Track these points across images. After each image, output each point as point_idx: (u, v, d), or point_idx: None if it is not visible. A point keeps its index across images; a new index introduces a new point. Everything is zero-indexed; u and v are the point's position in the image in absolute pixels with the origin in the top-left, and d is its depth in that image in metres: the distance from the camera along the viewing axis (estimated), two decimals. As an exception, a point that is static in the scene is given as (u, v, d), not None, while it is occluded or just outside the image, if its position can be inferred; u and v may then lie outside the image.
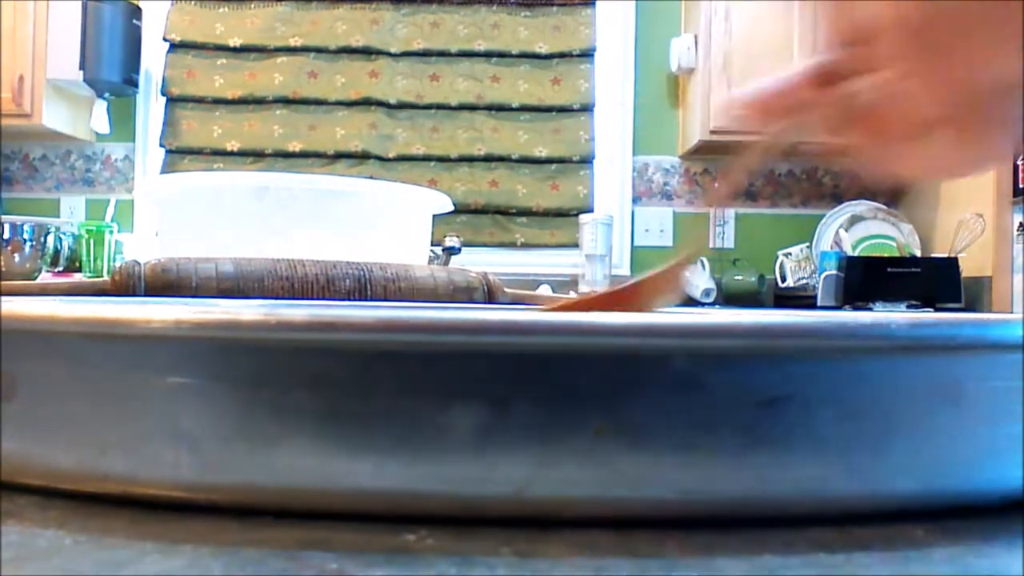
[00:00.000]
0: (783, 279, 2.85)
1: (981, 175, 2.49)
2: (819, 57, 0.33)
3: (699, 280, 2.84)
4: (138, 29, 2.81)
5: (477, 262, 2.71)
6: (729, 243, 2.97)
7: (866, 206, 2.90)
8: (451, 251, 2.56)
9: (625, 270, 2.97)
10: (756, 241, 2.96)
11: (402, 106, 2.93)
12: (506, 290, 0.76)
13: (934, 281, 2.55)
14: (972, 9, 0.27)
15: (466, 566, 0.20)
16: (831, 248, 2.81)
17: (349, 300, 0.68)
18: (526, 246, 2.95)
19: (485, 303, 0.74)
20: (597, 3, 2.98)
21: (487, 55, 2.96)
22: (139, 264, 0.67)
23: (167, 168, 2.91)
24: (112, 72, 2.71)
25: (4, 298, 0.26)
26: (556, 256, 2.94)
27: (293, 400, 0.22)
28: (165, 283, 0.65)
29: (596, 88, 2.97)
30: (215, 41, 2.93)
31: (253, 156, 2.92)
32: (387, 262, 0.72)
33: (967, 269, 2.55)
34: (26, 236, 2.10)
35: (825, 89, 0.33)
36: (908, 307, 2.51)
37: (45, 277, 2.14)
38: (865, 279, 2.58)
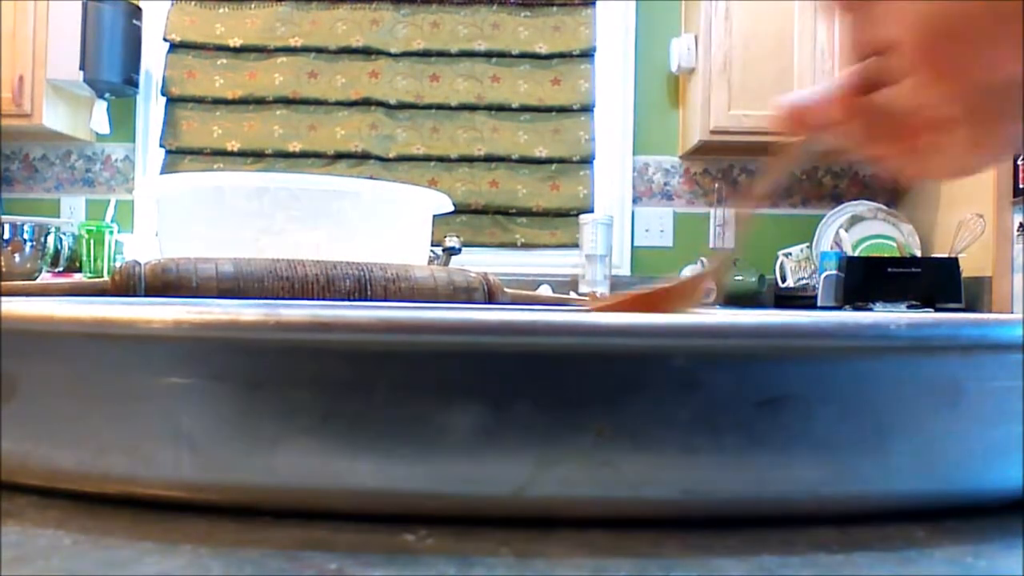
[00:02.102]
0: (783, 279, 2.85)
1: (981, 175, 2.49)
2: (850, 70, 0.35)
3: (699, 280, 2.84)
4: (138, 29, 2.81)
5: (477, 262, 2.71)
6: (729, 243, 2.97)
7: (866, 206, 2.90)
8: (451, 251, 2.56)
9: (625, 270, 2.97)
10: (756, 241, 2.96)
11: (402, 106, 2.93)
12: (506, 290, 0.76)
13: (934, 281, 2.55)
14: (976, 13, 0.29)
15: (466, 566, 0.20)
16: (831, 248, 2.81)
17: (349, 300, 0.68)
18: (526, 246, 2.95)
19: (485, 303, 0.74)
20: (597, 3, 2.99)
21: (487, 55, 2.96)
22: (139, 264, 0.67)
23: (167, 168, 2.91)
24: (112, 72, 2.71)
25: (4, 298, 0.26)
26: (556, 256, 2.94)
27: (293, 400, 0.22)
28: (165, 283, 0.65)
29: (596, 88, 2.97)
30: (215, 41, 2.93)
31: (253, 156, 2.92)
32: (387, 262, 0.72)
33: (967, 269, 2.55)
34: (26, 236, 2.10)
35: (856, 100, 0.34)
36: (908, 307, 2.51)
37: (45, 277, 2.14)
38: (865, 279, 2.58)
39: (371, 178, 2.67)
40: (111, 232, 2.45)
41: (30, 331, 0.24)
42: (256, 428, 0.22)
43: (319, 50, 2.93)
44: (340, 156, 2.91)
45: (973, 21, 0.29)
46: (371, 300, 0.69)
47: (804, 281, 2.81)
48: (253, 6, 2.94)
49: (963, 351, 0.23)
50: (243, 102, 2.92)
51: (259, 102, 2.93)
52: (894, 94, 0.33)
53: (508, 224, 2.94)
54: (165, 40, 2.93)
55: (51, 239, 2.14)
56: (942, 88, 0.31)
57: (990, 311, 2.50)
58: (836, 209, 2.90)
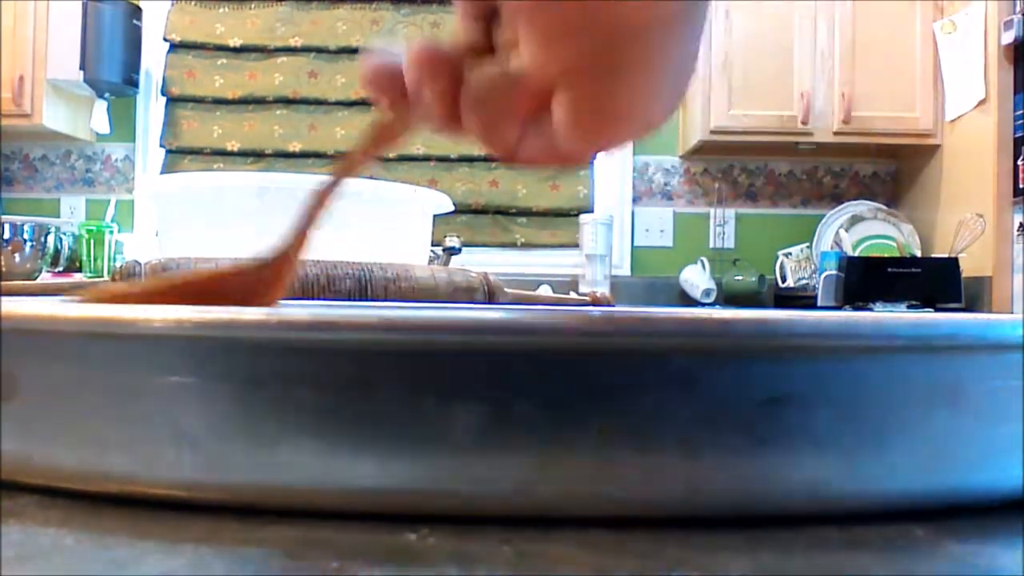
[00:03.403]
0: (783, 279, 2.85)
1: (982, 174, 2.49)
2: (458, 29, 0.29)
3: (699, 280, 2.84)
4: (138, 29, 2.81)
5: (477, 262, 2.71)
6: (729, 243, 2.97)
7: (866, 206, 2.90)
8: (451, 251, 2.56)
9: (625, 270, 2.97)
10: (756, 241, 2.96)
11: (402, 106, 2.93)
12: (506, 290, 0.76)
13: (934, 281, 2.55)
14: None
15: (467, 565, 0.20)
16: (831, 248, 2.81)
17: (350, 300, 0.68)
18: (526, 246, 2.95)
19: (485, 303, 0.74)
20: (597, 3, 2.98)
21: (487, 55, 2.96)
22: (139, 264, 0.67)
23: (167, 168, 2.91)
24: (112, 72, 2.71)
25: (4, 298, 0.26)
26: (556, 256, 2.94)
27: (294, 399, 0.22)
28: (165, 283, 0.65)
29: (596, 88, 2.96)
30: (215, 41, 2.93)
31: (253, 156, 2.92)
32: (387, 262, 0.72)
33: (967, 269, 2.55)
34: (26, 236, 2.10)
35: (456, 66, 0.28)
36: (908, 307, 2.51)
37: (45, 277, 2.14)
38: (865, 279, 2.58)
39: (371, 178, 2.67)
40: (111, 232, 2.45)
41: (30, 331, 0.24)
42: (257, 427, 0.22)
43: (319, 50, 2.93)
44: (340, 156, 2.91)
45: None
46: (371, 300, 0.69)
47: (804, 281, 2.81)
48: (253, 6, 2.94)
49: (963, 351, 0.23)
50: (243, 102, 2.92)
51: (259, 102, 2.93)
52: (499, 60, 0.27)
53: (508, 224, 2.94)
54: (165, 40, 2.93)
55: (51, 239, 2.14)
56: (542, 40, 0.25)
57: (990, 311, 2.50)
58: (836, 209, 2.90)
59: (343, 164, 0.34)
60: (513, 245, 2.94)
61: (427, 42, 0.29)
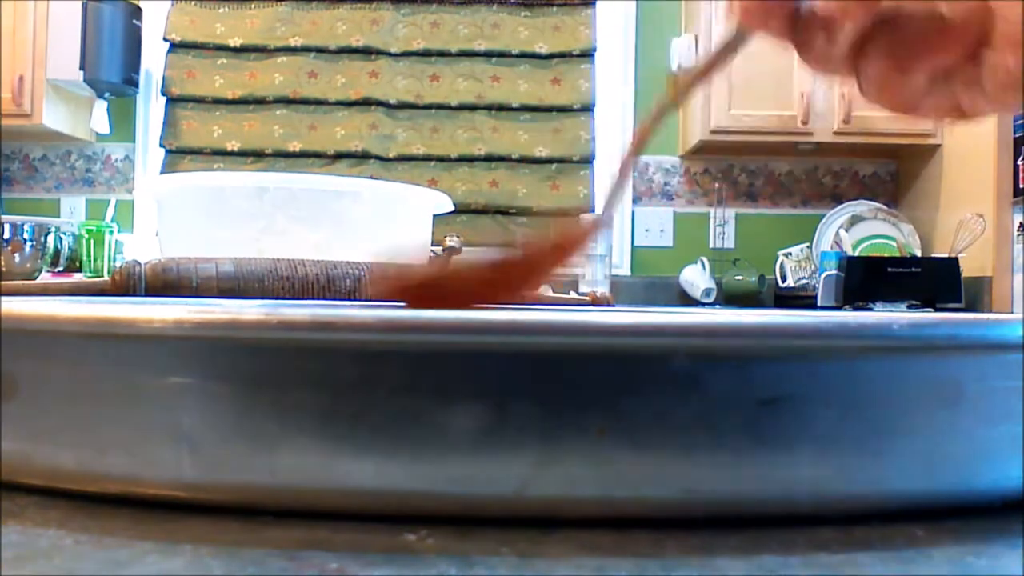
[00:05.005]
0: (783, 279, 2.85)
1: (982, 174, 2.49)
2: None
3: (699, 280, 2.84)
4: (138, 29, 2.81)
5: (477, 262, 2.70)
6: (729, 243, 2.97)
7: (866, 206, 2.90)
8: (451, 251, 2.56)
9: (625, 270, 2.97)
10: (756, 241, 2.96)
11: (402, 106, 2.93)
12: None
13: (934, 281, 2.55)
14: None
15: (466, 566, 0.20)
16: (831, 248, 2.81)
17: (349, 300, 0.68)
18: (526, 246, 2.94)
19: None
20: (597, 3, 2.98)
21: (487, 55, 2.96)
22: (139, 264, 0.67)
23: (167, 168, 2.91)
24: (112, 72, 2.71)
25: (4, 298, 0.26)
26: (556, 256, 2.93)
27: (294, 400, 0.22)
28: (165, 283, 0.65)
29: (596, 88, 2.96)
30: (215, 41, 2.93)
31: (253, 156, 2.92)
32: (387, 262, 0.72)
33: (967, 269, 2.55)
34: (26, 236, 2.10)
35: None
36: (908, 307, 2.51)
37: (45, 277, 2.14)
38: (865, 279, 2.58)
39: (371, 178, 2.67)
40: (111, 232, 2.45)
41: (30, 331, 0.24)
42: (257, 428, 0.22)
43: (319, 50, 2.93)
44: (340, 156, 2.91)
45: None
46: (371, 300, 0.69)
47: (804, 281, 2.80)
48: (253, 6, 2.94)
49: (963, 351, 0.23)
50: (243, 102, 2.92)
51: (259, 102, 2.92)
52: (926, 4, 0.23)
53: (508, 224, 2.94)
54: (165, 40, 2.93)
55: (51, 239, 2.14)
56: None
57: (990, 311, 2.50)
58: (836, 209, 2.90)
59: (674, 87, 0.31)
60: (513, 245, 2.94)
61: None
